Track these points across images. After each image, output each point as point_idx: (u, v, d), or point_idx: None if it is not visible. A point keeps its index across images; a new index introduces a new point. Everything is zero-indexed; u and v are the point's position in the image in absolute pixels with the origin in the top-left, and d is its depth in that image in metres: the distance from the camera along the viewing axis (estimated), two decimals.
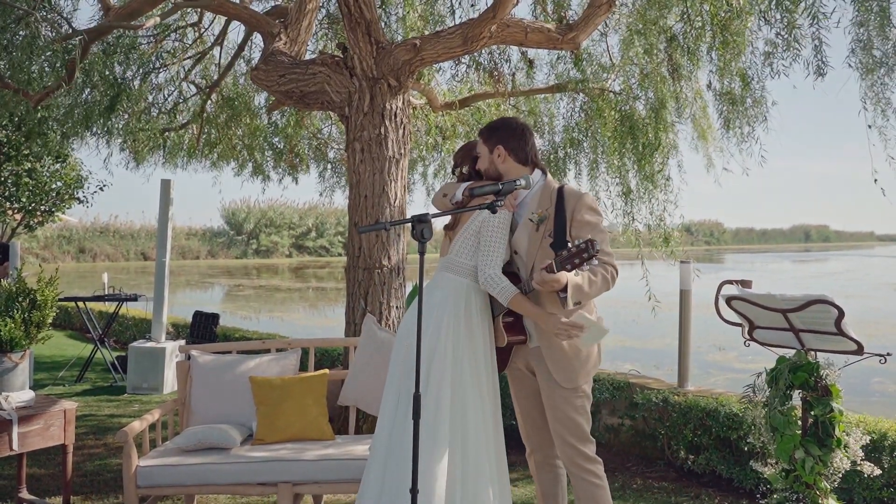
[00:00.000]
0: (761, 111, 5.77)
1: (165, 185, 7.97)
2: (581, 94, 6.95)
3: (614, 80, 6.79)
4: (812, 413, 3.00)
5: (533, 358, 3.10)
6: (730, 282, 3.24)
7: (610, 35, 6.85)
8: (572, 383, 3.01)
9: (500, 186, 2.92)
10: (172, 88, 8.80)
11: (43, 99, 6.61)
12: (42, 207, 12.80)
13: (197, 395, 4.11)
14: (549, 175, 3.20)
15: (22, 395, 3.72)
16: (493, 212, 2.75)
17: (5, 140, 11.52)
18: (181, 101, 8.93)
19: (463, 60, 7.02)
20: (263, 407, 3.96)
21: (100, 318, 10.24)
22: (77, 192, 13.13)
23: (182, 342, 8.03)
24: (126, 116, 8.20)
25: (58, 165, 12.70)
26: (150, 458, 3.71)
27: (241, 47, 8.26)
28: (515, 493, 4.40)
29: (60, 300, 5.48)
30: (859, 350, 2.94)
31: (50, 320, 3.87)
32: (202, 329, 8.39)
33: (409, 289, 5.21)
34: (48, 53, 6.02)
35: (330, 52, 7.15)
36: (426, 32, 6.04)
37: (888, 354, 2.96)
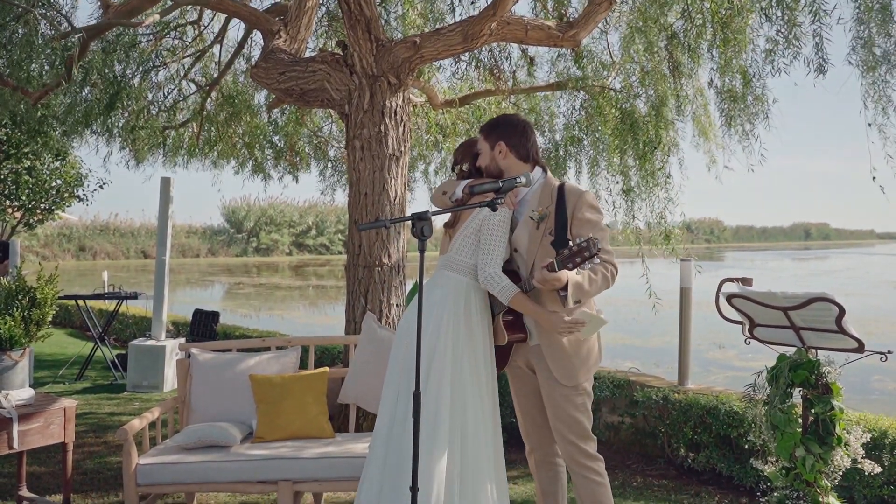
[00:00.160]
0: (763, 109, 5.77)
1: (165, 183, 7.96)
2: (581, 91, 6.93)
3: (615, 78, 6.78)
4: (812, 411, 3.00)
5: (533, 356, 3.10)
6: (730, 280, 3.24)
7: (610, 33, 6.84)
8: (573, 381, 3.01)
9: (501, 184, 2.91)
10: (172, 87, 8.79)
11: (42, 97, 6.61)
12: (42, 205, 12.79)
13: (197, 393, 4.11)
14: (549, 172, 3.19)
15: (22, 393, 3.72)
16: (494, 209, 2.74)
17: (5, 138, 11.51)
18: (181, 99, 8.91)
19: (463, 58, 7.01)
20: (263, 405, 3.96)
21: (100, 317, 10.23)
22: (77, 190, 13.12)
23: (182, 340, 8.03)
24: (126, 115, 8.20)
25: (57, 163, 12.68)
26: (150, 456, 3.70)
27: (240, 45, 8.25)
28: (515, 491, 4.40)
29: (60, 298, 5.48)
30: (860, 348, 2.93)
31: (50, 318, 3.86)
32: (202, 327, 8.38)
33: (409, 287, 5.20)
34: (47, 51, 6.01)
35: (330, 49, 7.14)
36: (426, 30, 6.03)
37: (889, 352, 2.95)
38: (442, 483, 2.79)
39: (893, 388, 9.14)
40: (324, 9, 7.69)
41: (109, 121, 7.89)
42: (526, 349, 3.12)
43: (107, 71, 7.16)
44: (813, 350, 3.08)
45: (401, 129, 5.09)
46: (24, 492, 4.07)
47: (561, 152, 7.40)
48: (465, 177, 3.27)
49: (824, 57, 4.61)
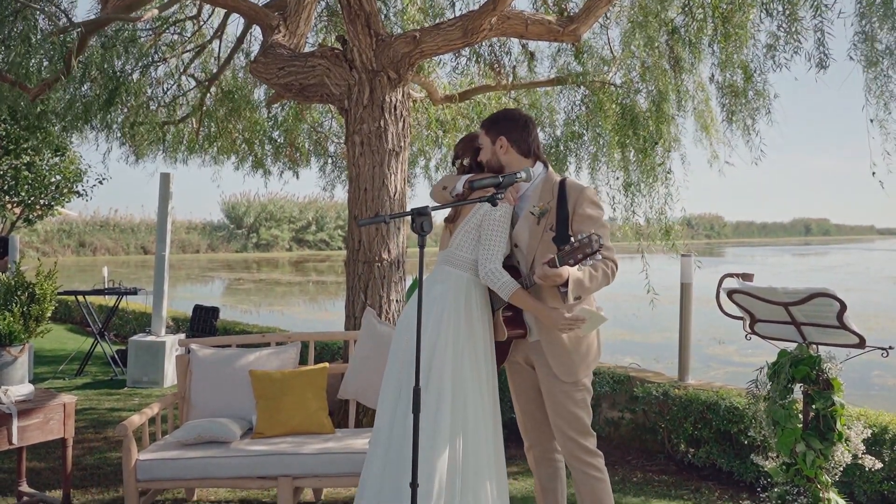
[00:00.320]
0: (764, 104, 5.75)
1: (164, 179, 7.95)
2: (582, 87, 6.91)
3: (615, 73, 6.76)
4: (813, 407, 2.99)
5: (533, 352, 3.09)
6: (731, 275, 3.23)
7: (611, 27, 6.82)
8: (573, 377, 3.01)
9: (501, 179, 2.90)
10: (171, 82, 8.77)
11: (41, 92, 6.59)
12: (41, 201, 12.77)
13: (197, 389, 4.11)
14: (550, 168, 3.18)
15: (21, 389, 3.71)
16: (494, 204, 2.73)
17: (4, 133, 11.49)
18: (180, 94, 8.89)
19: (463, 53, 6.98)
20: (263, 401, 3.96)
21: (100, 312, 10.23)
22: (76, 186, 13.10)
23: (182, 336, 8.03)
24: (125, 110, 8.18)
25: (56, 159, 12.67)
26: (149, 451, 3.70)
27: (239, 40, 8.22)
28: (515, 487, 4.40)
29: (60, 294, 5.47)
30: (861, 343, 2.92)
31: (49, 314, 3.86)
32: (202, 323, 8.38)
33: (408, 282, 5.20)
34: (46, 46, 5.99)
35: (329, 44, 7.11)
36: (426, 25, 6.01)
37: (890, 348, 2.95)
38: (443, 479, 2.79)
39: (894, 384, 9.14)
40: (323, 3, 7.67)
41: (109, 116, 7.88)
42: (525, 345, 3.12)
43: (106, 66, 7.14)
44: (814, 346, 3.07)
45: (400, 125, 5.07)
46: (24, 487, 4.07)
47: (561, 148, 7.38)
48: (466, 172, 3.26)
49: (826, 52, 4.60)
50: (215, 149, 9.23)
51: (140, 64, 7.90)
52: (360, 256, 4.98)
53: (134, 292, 8.58)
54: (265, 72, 5.35)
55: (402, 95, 5.11)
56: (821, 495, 2.97)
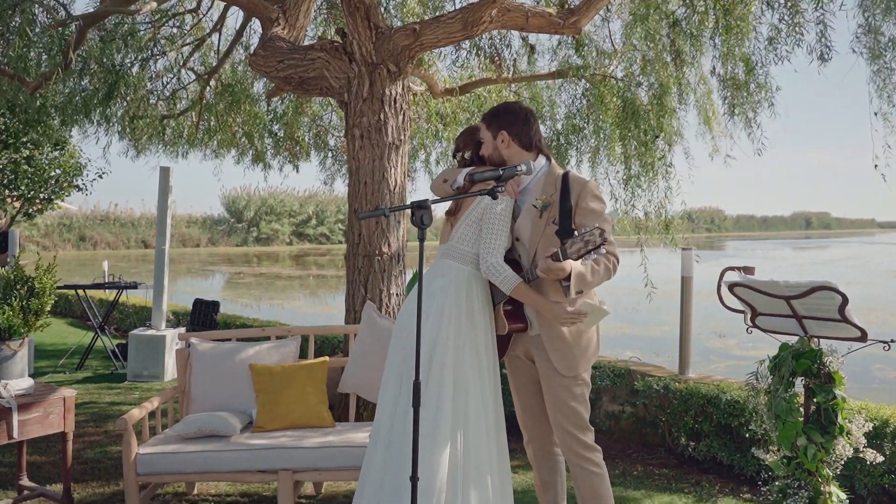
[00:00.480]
0: (766, 97, 5.73)
1: (164, 173, 7.93)
2: (583, 80, 6.89)
3: (616, 67, 6.74)
4: (814, 400, 2.99)
5: (533, 346, 3.08)
6: (732, 268, 3.22)
7: (612, 20, 6.79)
8: (572, 371, 3.00)
9: (501, 172, 2.89)
10: (171, 76, 8.74)
11: (40, 86, 6.57)
12: (41, 195, 12.75)
13: (197, 383, 4.10)
14: (553, 161, 3.16)
15: (21, 383, 3.70)
16: (494, 198, 2.72)
17: (3, 127, 11.46)
18: (180, 88, 8.87)
19: (463, 46, 6.96)
20: (263, 394, 3.96)
21: (100, 306, 10.23)
22: (76, 180, 13.08)
23: (182, 330, 8.03)
24: (125, 104, 8.15)
25: (56, 153, 12.64)
26: (149, 445, 3.70)
27: (239, 33, 8.19)
28: (516, 480, 4.40)
29: (60, 288, 5.47)
30: (863, 337, 2.91)
31: (48, 308, 3.84)
32: (202, 317, 8.38)
33: (409, 276, 5.18)
34: (44, 39, 5.97)
35: (329, 37, 7.09)
36: (426, 17, 5.98)
37: (892, 341, 2.94)
38: (444, 473, 2.78)
39: (894, 377, 9.14)
40: None
41: (108, 110, 7.86)
42: (525, 339, 3.11)
43: (105, 60, 7.12)
44: (815, 339, 3.06)
45: (400, 118, 5.05)
46: (25, 481, 4.07)
47: (562, 141, 7.36)
48: (467, 165, 3.24)
49: (828, 44, 4.58)
50: (215, 142, 9.21)
51: (139, 57, 7.87)
52: (361, 250, 4.97)
53: (134, 286, 8.58)
54: (264, 65, 5.32)
55: (402, 88, 5.09)
56: (822, 489, 2.97)
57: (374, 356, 4.00)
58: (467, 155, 3.25)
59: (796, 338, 3.09)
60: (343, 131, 8.46)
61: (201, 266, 31.11)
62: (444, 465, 2.78)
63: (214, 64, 8.50)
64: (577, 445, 3.02)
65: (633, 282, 6.37)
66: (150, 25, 7.90)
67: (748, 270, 3.20)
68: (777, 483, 3.10)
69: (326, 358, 4.22)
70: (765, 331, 3.22)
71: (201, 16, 8.61)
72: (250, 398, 4.03)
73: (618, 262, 2.95)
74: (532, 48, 7.31)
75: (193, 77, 8.81)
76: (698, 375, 5.21)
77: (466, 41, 6.33)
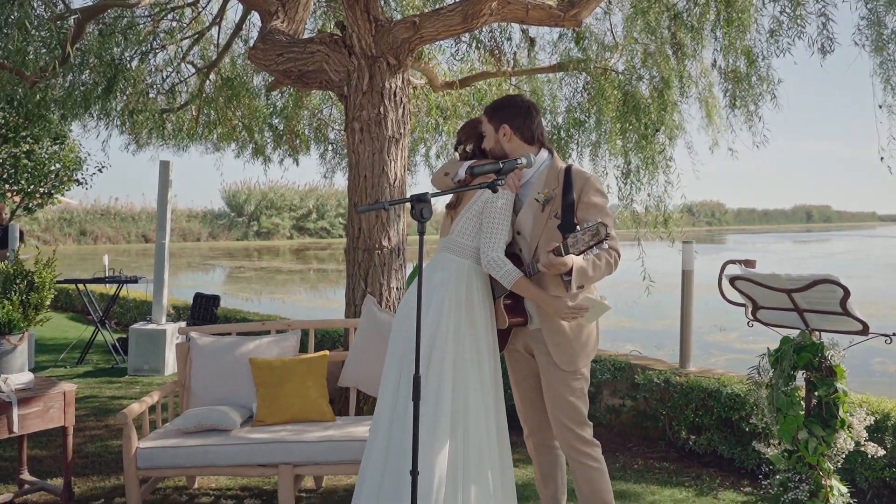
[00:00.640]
0: (768, 89, 5.70)
1: (164, 167, 7.92)
2: (583, 73, 6.86)
3: (618, 60, 6.71)
4: (816, 394, 2.98)
5: (533, 340, 3.07)
6: (733, 262, 3.20)
7: (613, 13, 6.75)
8: (572, 366, 2.99)
9: (501, 165, 2.88)
10: (171, 70, 8.71)
11: (39, 80, 6.55)
12: (41, 189, 12.75)
13: (197, 377, 4.10)
14: (556, 155, 3.14)
15: (21, 378, 3.70)
16: (494, 191, 2.71)
17: (2, 122, 11.45)
18: (179, 81, 8.84)
19: (463, 39, 6.92)
20: (263, 388, 3.95)
21: (101, 301, 10.23)
22: (76, 174, 13.07)
23: (183, 324, 8.02)
24: (124, 98, 8.13)
25: (56, 147, 12.63)
26: (150, 439, 3.70)
27: (238, 26, 8.16)
28: (516, 474, 4.36)
29: (60, 282, 5.45)
30: (864, 330, 2.90)
31: (48, 302, 3.84)
32: (203, 311, 8.37)
33: (409, 270, 5.18)
34: (43, 33, 5.94)
35: (328, 30, 7.05)
36: (425, 10, 5.95)
37: (894, 334, 2.93)
38: (444, 467, 2.78)
39: (895, 371, 9.14)
40: None
41: (108, 104, 7.84)
42: (525, 333, 3.10)
43: (104, 54, 7.09)
44: (816, 332, 3.05)
45: (400, 111, 5.03)
46: (26, 475, 4.08)
47: (563, 135, 7.33)
48: (469, 158, 3.22)
49: (830, 36, 4.55)
50: (215, 136, 9.19)
51: (138, 51, 7.84)
52: (361, 244, 4.96)
53: (134, 280, 8.57)
54: (264, 58, 5.30)
55: (402, 82, 5.07)
56: (823, 482, 2.96)
57: (375, 350, 3.99)
58: (469, 148, 3.23)
59: (797, 331, 3.08)
60: (343, 125, 8.45)
61: (202, 260, 31.11)
62: (444, 460, 2.78)
63: (214, 57, 8.46)
64: (576, 440, 3.01)
65: (633, 275, 6.36)
66: (149, 19, 7.86)
67: (749, 264, 3.19)
68: (778, 477, 3.09)
69: (327, 352, 4.22)
70: (766, 324, 3.21)
71: (200, 9, 8.57)
72: (250, 392, 4.02)
73: (619, 256, 2.94)
74: (532, 41, 7.27)
75: (193, 71, 8.78)
76: (699, 369, 5.20)
77: (466, 34, 6.29)
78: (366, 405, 4.65)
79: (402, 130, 5.04)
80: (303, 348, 4.42)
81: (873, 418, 3.18)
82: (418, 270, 2.65)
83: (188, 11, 8.51)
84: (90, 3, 6.58)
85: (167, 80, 8.76)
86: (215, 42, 8.68)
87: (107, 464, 4.69)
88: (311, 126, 9.25)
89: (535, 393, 3.17)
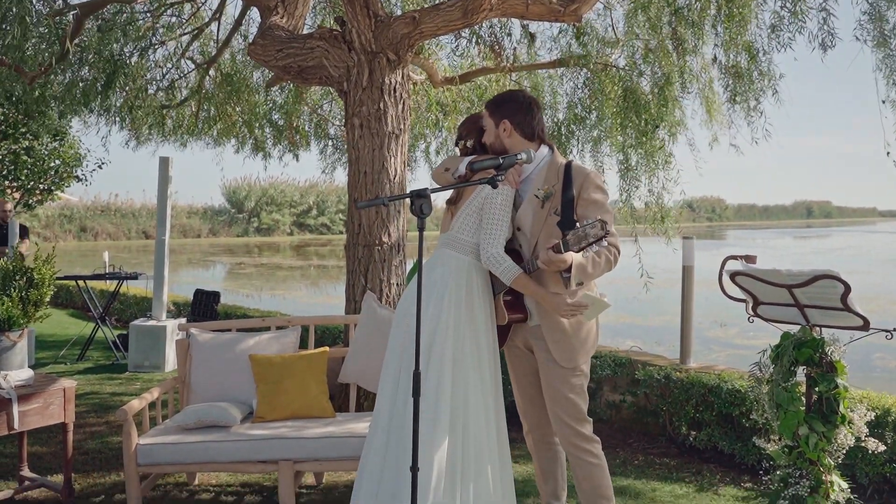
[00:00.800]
0: (769, 84, 5.69)
1: (164, 163, 7.91)
2: (584, 69, 6.83)
3: (618, 56, 6.69)
4: (816, 389, 2.97)
5: (532, 336, 3.07)
6: (734, 257, 3.20)
7: (614, 8, 6.73)
8: (571, 363, 2.99)
9: (501, 161, 2.87)
10: (170, 65, 8.69)
11: (38, 76, 6.53)
12: (41, 186, 12.74)
13: (197, 374, 4.10)
14: (556, 151, 3.13)
15: (21, 374, 3.70)
16: (494, 186, 2.70)
17: (2, 118, 11.43)
18: (179, 77, 8.82)
19: (463, 34, 6.90)
20: (263, 385, 3.95)
21: (101, 297, 10.23)
22: (76, 171, 13.06)
23: (183, 320, 8.02)
24: (124, 94, 8.12)
25: (56, 143, 12.61)
26: (150, 436, 3.70)
27: (238, 22, 8.14)
28: (516, 470, 4.39)
29: (60, 279, 5.47)
30: (865, 326, 2.90)
31: (48, 299, 3.84)
32: (203, 307, 8.38)
33: (409, 266, 5.17)
34: (41, 29, 5.92)
35: (328, 25, 7.04)
36: (425, 5, 5.93)
37: (894, 330, 2.92)
38: (443, 463, 2.78)
39: (895, 366, 9.14)
40: None
41: (108, 100, 7.82)
42: (525, 329, 3.09)
43: (103, 50, 7.07)
44: (817, 328, 3.04)
45: (400, 107, 5.02)
46: (26, 472, 4.08)
47: (563, 131, 7.31)
48: (469, 153, 3.21)
49: (831, 31, 4.53)
50: (215, 132, 9.18)
51: (138, 47, 7.82)
52: (361, 240, 4.95)
53: (134, 277, 8.57)
54: (263, 54, 5.29)
55: (402, 77, 5.06)
56: (823, 478, 2.96)
57: (375, 346, 3.99)
58: (470, 143, 3.22)
59: (798, 327, 3.08)
60: (343, 120, 8.43)
61: (202, 256, 31.10)
62: (444, 455, 2.78)
63: (213, 53, 8.45)
64: (575, 437, 3.01)
65: (633, 271, 6.36)
66: (148, 15, 7.84)
67: (750, 259, 3.19)
68: (778, 472, 3.09)
69: (327, 348, 4.21)
70: (766, 320, 3.21)
71: (200, 5, 8.55)
72: (251, 388, 4.02)
73: (619, 253, 2.94)
74: (532, 37, 7.25)
75: (192, 66, 8.77)
76: (699, 365, 5.20)
77: (466, 29, 6.28)
78: (366, 401, 4.65)
79: (401, 126, 5.03)
80: (303, 344, 4.42)
81: (874, 414, 3.18)
82: (418, 266, 2.64)
83: (187, 7, 8.49)
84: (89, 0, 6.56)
85: (167, 76, 8.74)
86: (215, 38, 8.67)
87: (107, 460, 4.69)
88: (310, 122, 9.24)
89: (534, 389, 3.17)
